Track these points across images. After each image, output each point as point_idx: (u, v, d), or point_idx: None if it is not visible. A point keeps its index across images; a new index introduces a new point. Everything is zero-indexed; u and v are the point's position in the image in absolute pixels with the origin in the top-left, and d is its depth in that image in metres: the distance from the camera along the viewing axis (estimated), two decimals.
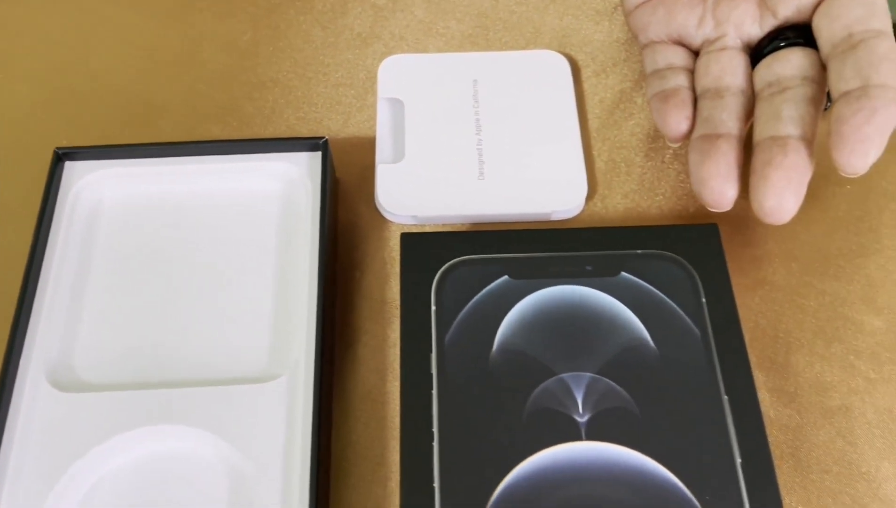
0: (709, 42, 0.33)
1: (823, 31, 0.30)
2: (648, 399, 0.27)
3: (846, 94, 0.27)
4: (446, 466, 0.26)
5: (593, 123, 0.37)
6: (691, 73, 0.33)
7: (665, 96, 0.32)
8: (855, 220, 0.34)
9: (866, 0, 0.29)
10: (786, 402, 0.30)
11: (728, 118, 0.30)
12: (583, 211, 0.35)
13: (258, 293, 0.31)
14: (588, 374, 0.27)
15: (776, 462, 0.29)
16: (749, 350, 0.31)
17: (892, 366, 0.31)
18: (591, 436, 0.26)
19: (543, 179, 0.35)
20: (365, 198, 0.35)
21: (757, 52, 0.32)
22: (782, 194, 0.28)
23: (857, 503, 0.28)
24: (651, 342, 0.28)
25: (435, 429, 0.26)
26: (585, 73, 0.39)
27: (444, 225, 0.34)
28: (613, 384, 0.27)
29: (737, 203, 0.34)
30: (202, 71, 0.39)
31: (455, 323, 0.28)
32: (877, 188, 0.35)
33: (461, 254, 0.30)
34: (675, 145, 0.35)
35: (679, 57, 0.33)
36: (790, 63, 0.30)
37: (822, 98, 0.30)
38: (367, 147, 0.36)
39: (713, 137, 0.30)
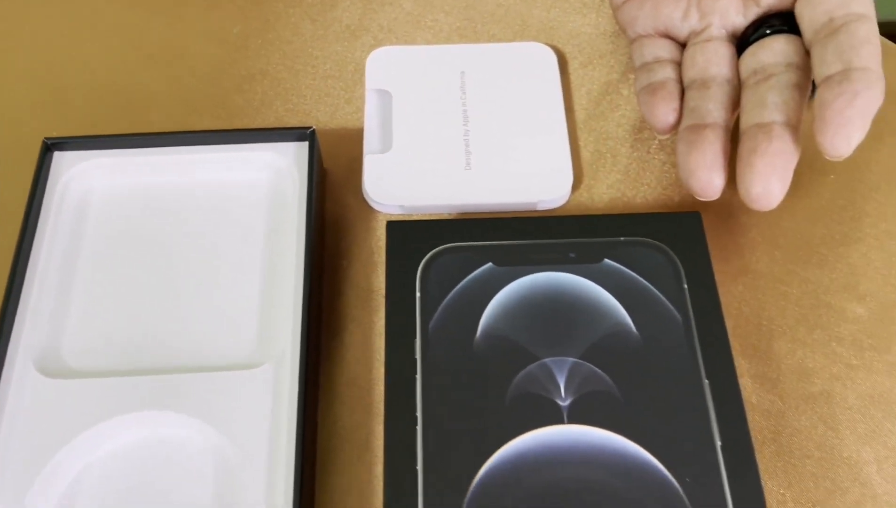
0: (695, 34, 0.33)
1: (805, 17, 0.30)
2: (630, 383, 0.27)
3: (828, 78, 0.28)
4: (429, 449, 0.26)
5: (580, 115, 0.38)
6: (679, 65, 0.33)
7: (653, 89, 0.32)
8: (838, 209, 0.35)
9: None
10: (768, 388, 0.30)
11: (714, 108, 0.31)
12: (568, 201, 0.35)
13: (245, 282, 0.32)
14: (570, 359, 0.27)
15: (758, 448, 0.29)
16: (732, 337, 0.31)
17: (874, 353, 0.31)
18: (573, 419, 0.26)
19: (530, 170, 0.35)
20: (353, 188, 0.36)
21: (743, 42, 0.32)
22: (768, 181, 0.28)
23: (838, 487, 0.29)
24: (633, 328, 0.28)
25: (418, 413, 0.27)
26: (572, 64, 0.39)
27: (430, 215, 0.34)
28: (596, 368, 0.27)
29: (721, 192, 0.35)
30: (191, 63, 0.39)
31: (439, 309, 0.29)
32: (860, 178, 0.35)
33: (446, 242, 0.30)
34: (663, 137, 0.35)
35: (666, 50, 0.34)
36: (774, 50, 0.30)
37: (808, 84, 0.30)
38: (355, 138, 0.37)
39: (700, 128, 0.30)
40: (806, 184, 0.35)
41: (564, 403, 0.27)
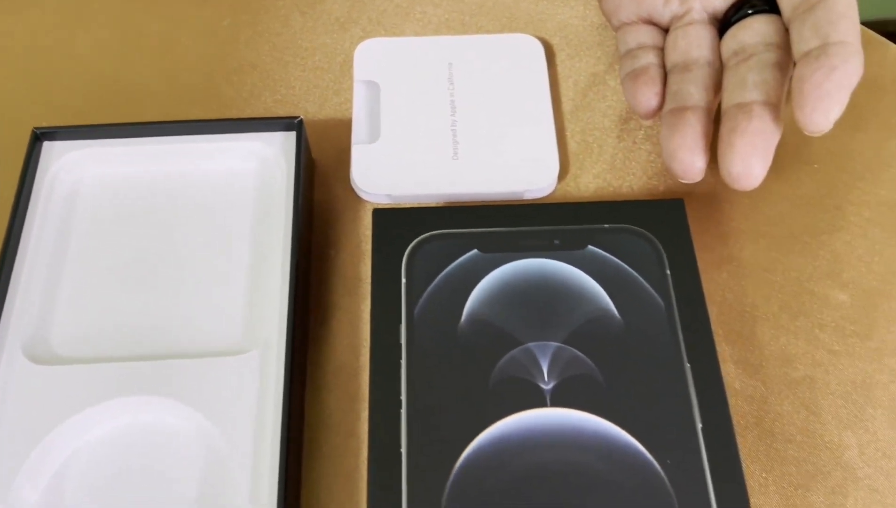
0: (677, 18, 0.33)
1: None
2: (612, 367, 0.27)
3: (806, 54, 0.28)
4: (413, 432, 0.26)
5: (567, 106, 0.38)
6: (662, 50, 0.34)
7: (635, 75, 0.33)
8: (822, 198, 0.35)
9: None
10: (751, 373, 0.31)
11: (696, 91, 0.31)
12: (555, 191, 0.35)
13: (233, 270, 0.32)
14: (554, 343, 0.28)
15: (741, 432, 0.29)
16: (716, 324, 0.31)
17: (856, 339, 0.32)
18: (556, 403, 0.26)
19: (516, 160, 0.35)
20: (341, 179, 0.36)
21: (725, 23, 0.32)
22: (748, 160, 0.28)
23: (819, 471, 0.29)
24: (616, 313, 0.28)
25: (403, 397, 0.27)
26: (560, 56, 0.39)
27: (418, 204, 0.35)
28: (579, 352, 0.27)
29: (706, 182, 0.35)
30: (181, 55, 0.40)
31: (425, 295, 0.29)
32: (844, 168, 0.36)
33: (432, 229, 0.31)
34: (647, 123, 0.36)
35: (649, 36, 0.34)
36: (754, 30, 0.31)
37: (789, 62, 0.30)
38: (343, 129, 0.37)
39: (681, 110, 0.30)
40: (790, 173, 0.35)
41: (547, 387, 0.27)
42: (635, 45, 0.34)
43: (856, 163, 0.36)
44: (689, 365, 0.27)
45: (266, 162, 0.34)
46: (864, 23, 0.37)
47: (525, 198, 0.35)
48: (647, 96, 0.32)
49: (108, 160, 0.34)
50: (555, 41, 0.40)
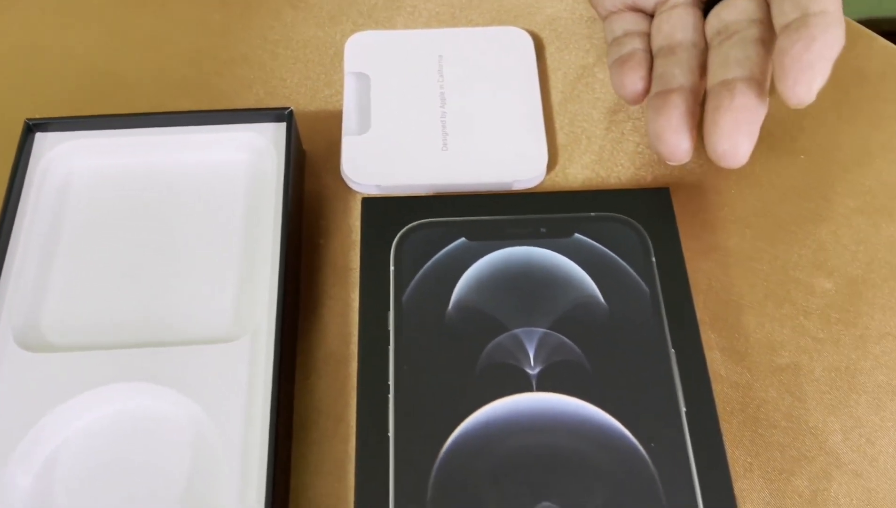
0: (661, 3, 0.33)
1: None
2: (598, 352, 0.27)
3: (786, 26, 0.27)
4: (401, 416, 0.26)
5: (555, 98, 0.38)
6: (648, 36, 0.34)
7: (621, 61, 0.33)
8: (808, 188, 0.35)
9: None
10: (737, 360, 0.31)
11: (680, 73, 0.31)
12: (543, 182, 0.36)
13: (224, 259, 0.32)
14: (540, 329, 0.28)
15: (726, 418, 0.30)
16: (702, 312, 0.32)
17: (840, 326, 0.32)
18: (542, 387, 0.27)
19: (505, 151, 0.35)
20: (332, 170, 0.36)
21: (709, 4, 0.32)
22: (734, 137, 0.27)
23: (804, 456, 0.29)
24: (601, 299, 0.29)
25: (391, 382, 0.27)
26: (549, 49, 0.40)
27: (407, 194, 0.35)
28: (565, 338, 0.28)
29: (693, 172, 0.36)
30: (174, 49, 0.40)
31: (413, 283, 0.29)
32: (830, 158, 0.36)
33: (420, 218, 0.31)
34: (636, 115, 0.36)
35: (635, 23, 0.34)
36: (737, 8, 0.30)
37: (772, 38, 0.30)
38: (334, 121, 0.37)
39: (666, 93, 0.30)
40: (777, 164, 0.36)
41: (533, 372, 0.27)
42: (621, 33, 0.34)
43: (842, 154, 0.36)
44: (673, 350, 0.28)
45: (257, 153, 0.34)
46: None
47: (514, 189, 0.35)
48: (633, 80, 0.32)
49: (100, 151, 0.34)
50: (544, 34, 0.40)
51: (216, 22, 0.41)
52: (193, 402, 0.29)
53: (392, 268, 0.29)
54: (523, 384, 0.27)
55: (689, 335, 0.28)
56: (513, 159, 0.35)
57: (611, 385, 0.27)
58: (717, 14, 0.31)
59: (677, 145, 0.29)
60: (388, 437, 0.26)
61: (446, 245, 0.30)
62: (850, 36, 0.40)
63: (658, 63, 0.32)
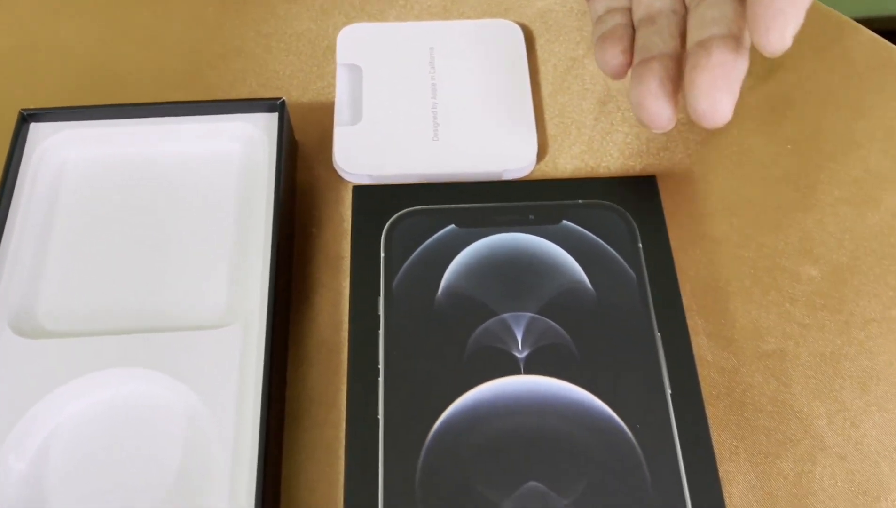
0: None
1: None
2: (585, 337, 0.28)
3: None
4: (390, 399, 0.27)
5: (546, 89, 0.39)
6: (630, 11, 0.34)
7: (603, 37, 0.32)
8: (794, 177, 0.36)
9: None
10: (723, 346, 0.31)
11: (661, 41, 0.30)
12: (533, 171, 0.36)
13: (216, 248, 0.33)
14: (528, 314, 0.28)
15: (712, 402, 0.30)
16: (689, 298, 0.32)
17: (826, 312, 0.32)
18: (530, 370, 0.27)
19: (496, 141, 0.36)
20: (324, 160, 0.37)
21: None
22: (713, 95, 0.27)
23: (789, 439, 0.30)
24: (589, 285, 0.29)
25: (381, 366, 0.28)
26: (539, 41, 0.40)
27: (398, 183, 0.35)
28: (552, 322, 0.28)
29: (680, 161, 0.36)
30: (167, 41, 0.40)
31: (403, 269, 0.30)
32: (816, 148, 0.36)
33: (411, 206, 0.31)
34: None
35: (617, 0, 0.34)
36: None
37: None
38: (326, 112, 0.38)
39: (647, 61, 0.30)
40: (763, 153, 0.36)
41: (521, 355, 0.28)
42: (604, 11, 0.34)
43: (828, 143, 0.37)
44: (659, 334, 0.28)
45: (249, 143, 0.35)
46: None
47: (504, 178, 0.35)
48: (614, 54, 0.31)
49: (95, 141, 0.35)
50: (535, 26, 0.41)
51: (210, 15, 0.41)
52: (187, 387, 0.29)
53: (382, 255, 0.30)
54: (511, 368, 0.27)
55: (675, 318, 0.28)
56: (503, 149, 0.36)
57: (597, 369, 0.27)
58: None
59: (658, 112, 0.29)
60: (377, 420, 0.27)
61: (436, 232, 0.30)
62: (836, 27, 0.40)
63: (640, 35, 0.31)
